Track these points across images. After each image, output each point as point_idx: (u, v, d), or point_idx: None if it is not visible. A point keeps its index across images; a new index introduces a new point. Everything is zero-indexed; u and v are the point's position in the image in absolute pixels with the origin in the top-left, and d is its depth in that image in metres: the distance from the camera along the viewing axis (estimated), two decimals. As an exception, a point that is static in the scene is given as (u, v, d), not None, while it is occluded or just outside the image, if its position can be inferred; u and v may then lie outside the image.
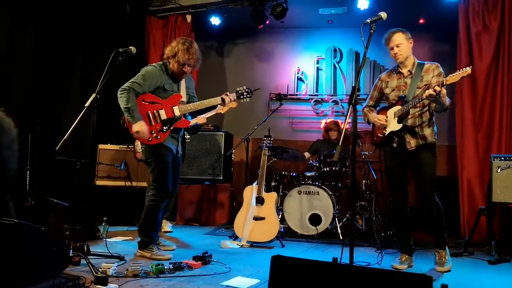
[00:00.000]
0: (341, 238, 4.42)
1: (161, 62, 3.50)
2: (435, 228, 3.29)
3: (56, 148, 2.74)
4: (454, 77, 2.83)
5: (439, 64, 3.23)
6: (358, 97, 6.08)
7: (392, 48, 3.23)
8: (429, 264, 3.41)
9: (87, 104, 2.95)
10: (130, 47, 3.28)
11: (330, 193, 4.58)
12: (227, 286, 2.63)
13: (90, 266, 2.69)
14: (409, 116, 3.18)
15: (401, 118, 3.17)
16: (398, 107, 3.20)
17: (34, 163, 4.54)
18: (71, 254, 2.89)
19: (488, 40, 4.54)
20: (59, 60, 4.88)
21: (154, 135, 3.31)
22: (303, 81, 6.40)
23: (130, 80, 3.28)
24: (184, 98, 3.56)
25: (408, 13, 5.39)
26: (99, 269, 2.68)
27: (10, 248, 2.26)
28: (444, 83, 2.86)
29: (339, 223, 4.53)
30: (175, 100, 3.42)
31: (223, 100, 3.47)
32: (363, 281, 1.45)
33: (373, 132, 3.45)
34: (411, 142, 3.19)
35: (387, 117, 3.26)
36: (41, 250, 2.44)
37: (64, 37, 4.90)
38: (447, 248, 3.30)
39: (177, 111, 3.38)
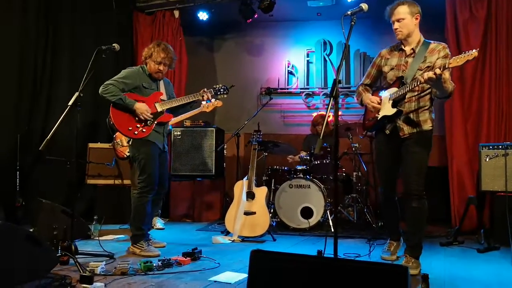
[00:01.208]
0: (332, 230, 4.42)
1: (139, 66, 3.67)
2: (411, 226, 2.94)
3: (40, 148, 2.73)
4: (458, 60, 2.50)
5: (446, 45, 2.87)
6: (349, 90, 6.16)
7: (394, 23, 2.88)
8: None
9: (70, 103, 2.93)
10: (113, 44, 3.26)
11: (321, 186, 4.58)
12: (215, 281, 2.63)
13: (78, 265, 2.69)
14: (405, 100, 2.87)
15: (396, 102, 2.87)
16: (394, 89, 2.89)
17: (24, 163, 4.53)
18: (58, 254, 2.89)
19: (475, 28, 4.54)
20: (46, 58, 4.85)
21: (140, 128, 3.43)
22: (293, 75, 6.39)
23: (109, 79, 3.43)
24: (164, 97, 3.64)
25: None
26: (87, 268, 2.68)
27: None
28: (447, 66, 2.54)
29: (330, 216, 4.55)
30: (156, 97, 3.56)
31: (203, 96, 3.60)
32: (339, 274, 1.45)
33: (365, 114, 3.18)
34: (404, 129, 2.89)
35: (381, 99, 2.96)
36: (25, 250, 2.43)
37: (49, 35, 4.86)
38: (419, 261, 2.91)
39: (159, 107, 3.51)
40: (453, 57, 2.55)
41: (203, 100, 3.66)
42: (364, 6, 2.55)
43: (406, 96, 2.87)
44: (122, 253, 3.40)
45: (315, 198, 4.52)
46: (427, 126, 2.88)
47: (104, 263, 2.83)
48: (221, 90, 3.70)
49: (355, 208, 4.81)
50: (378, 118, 2.96)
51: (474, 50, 2.48)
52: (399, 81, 2.88)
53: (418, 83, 2.73)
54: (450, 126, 4.68)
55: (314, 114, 6.03)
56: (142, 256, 3.25)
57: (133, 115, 3.41)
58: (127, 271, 2.74)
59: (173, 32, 5.80)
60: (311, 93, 6.28)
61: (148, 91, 3.53)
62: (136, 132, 3.41)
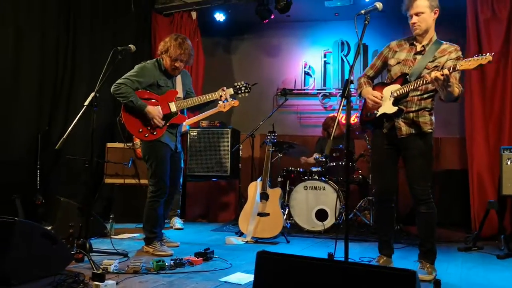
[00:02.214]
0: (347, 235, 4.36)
1: (154, 59, 3.52)
2: (422, 231, 2.84)
3: (56, 147, 2.79)
4: (469, 63, 2.37)
5: (459, 48, 2.73)
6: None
7: (411, 17, 2.71)
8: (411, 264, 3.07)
9: (86, 103, 2.98)
10: (129, 45, 3.29)
11: (337, 188, 4.53)
12: (226, 282, 2.63)
13: (92, 262, 2.73)
14: (407, 99, 2.73)
15: (397, 100, 2.73)
16: (397, 86, 2.75)
17: (45, 162, 4.64)
18: (74, 252, 2.94)
19: (497, 28, 4.41)
20: (67, 60, 4.96)
21: (151, 130, 3.35)
22: (310, 76, 6.35)
23: (123, 77, 3.33)
24: (180, 94, 3.56)
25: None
26: (101, 266, 2.72)
27: (9, 245, 2.31)
28: (457, 68, 2.42)
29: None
30: (171, 96, 3.45)
31: (221, 96, 3.46)
32: (346, 277, 1.43)
33: (363, 109, 2.98)
34: (403, 129, 2.75)
35: (382, 95, 2.81)
36: (41, 247, 2.49)
37: (70, 37, 4.97)
38: (435, 265, 2.82)
39: (173, 107, 3.41)
40: (465, 59, 2.43)
41: (221, 100, 3.51)
42: (379, 5, 2.51)
43: (409, 95, 2.72)
44: (136, 251, 3.44)
45: (330, 200, 4.48)
46: (427, 128, 2.76)
47: (117, 261, 2.87)
48: (242, 88, 3.53)
49: (371, 211, 4.74)
50: (377, 115, 2.82)
51: (488, 54, 2.35)
52: (403, 78, 2.75)
53: (424, 82, 2.59)
54: (470, 128, 4.56)
55: (330, 115, 5.99)
56: (155, 255, 3.28)
57: (144, 117, 3.32)
58: (139, 269, 2.77)
59: (190, 33, 5.84)
60: (328, 94, 6.23)
61: (163, 89, 3.42)
62: (146, 135, 3.33)
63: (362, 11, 2.47)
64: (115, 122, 5.35)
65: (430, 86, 2.69)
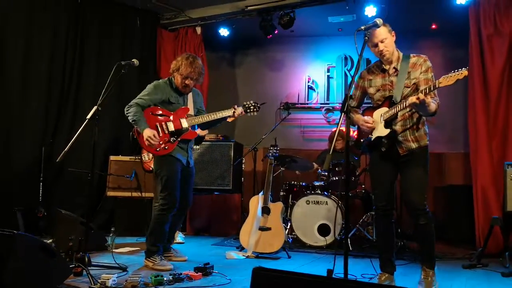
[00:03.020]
0: (350, 249, 4.32)
1: (167, 78, 3.65)
2: (423, 241, 2.91)
3: (57, 160, 2.80)
4: (448, 80, 2.47)
5: (427, 58, 2.84)
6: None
7: (377, 45, 2.81)
8: (413, 282, 3.00)
9: (88, 116, 3.01)
10: (133, 60, 3.35)
11: (339, 202, 4.50)
12: (224, 298, 2.60)
13: (90, 276, 2.72)
14: (399, 119, 2.82)
15: (388, 122, 2.82)
16: (384, 109, 2.84)
17: (48, 175, 4.66)
18: (72, 265, 2.93)
19: (500, 44, 4.40)
20: (73, 74, 5.02)
21: (162, 145, 3.42)
22: (314, 90, 6.37)
23: (138, 96, 3.47)
24: (191, 112, 3.65)
25: (420, 18, 5.32)
26: (98, 280, 2.71)
27: (7, 258, 2.30)
28: (437, 86, 2.52)
29: (348, 234, 4.44)
30: (183, 113, 3.55)
31: (233, 113, 3.56)
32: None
33: (359, 134, 3.08)
34: (403, 147, 2.83)
35: (373, 119, 2.90)
36: (40, 261, 2.48)
37: (76, 52, 5.04)
38: (436, 269, 2.89)
39: (184, 123, 3.50)
40: (443, 76, 2.50)
41: (234, 117, 3.58)
42: (379, 21, 2.54)
43: (399, 115, 2.80)
44: (136, 266, 3.42)
45: (332, 215, 4.44)
46: (424, 142, 2.85)
47: (116, 275, 2.85)
48: (251, 107, 3.62)
49: (375, 227, 4.69)
50: (372, 139, 2.90)
51: (464, 69, 2.44)
52: (389, 101, 2.84)
53: (406, 105, 2.69)
54: (474, 143, 4.52)
55: (334, 129, 5.98)
56: (154, 269, 3.26)
57: (158, 131, 3.39)
58: (137, 284, 2.75)
59: (195, 48, 5.90)
60: (331, 108, 6.23)
61: (175, 106, 3.53)
62: (158, 149, 3.40)
63: (362, 27, 2.49)
64: (120, 136, 5.46)
65: None
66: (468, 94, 4.64)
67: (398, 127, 2.83)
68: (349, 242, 4.38)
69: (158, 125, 3.44)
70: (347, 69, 6.21)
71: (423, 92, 2.52)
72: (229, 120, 4.40)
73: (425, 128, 2.87)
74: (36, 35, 4.60)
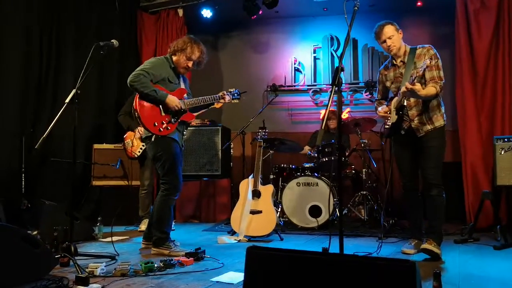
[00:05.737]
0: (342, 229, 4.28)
1: (163, 56, 3.50)
2: (433, 214, 3.16)
3: (35, 147, 2.67)
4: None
5: (431, 46, 3.15)
6: (357, 85, 6.04)
7: (385, 41, 3.19)
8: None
9: (67, 100, 2.87)
10: (112, 40, 3.19)
11: (330, 183, 4.46)
12: (217, 281, 2.54)
13: (76, 266, 2.62)
14: (413, 104, 3.15)
15: (397, 110, 3.11)
16: (395, 99, 3.19)
17: (29, 166, 4.50)
18: (58, 256, 2.83)
19: (487, 18, 4.37)
20: (50, 60, 4.82)
21: (165, 125, 3.31)
22: (300, 72, 6.27)
23: (138, 68, 3.29)
24: (186, 95, 3.54)
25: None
26: (86, 269, 2.61)
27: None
28: (414, 76, 2.90)
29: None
30: (181, 93, 3.44)
31: (223, 98, 3.57)
32: (340, 269, 1.34)
33: (384, 124, 3.42)
34: (420, 130, 3.14)
35: (390, 108, 3.25)
36: (22, 252, 2.38)
37: (53, 35, 4.83)
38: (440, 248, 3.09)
39: (183, 105, 3.39)
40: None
41: (223, 102, 3.59)
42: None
43: (412, 100, 3.13)
44: (126, 254, 3.32)
45: (323, 196, 4.40)
46: (439, 123, 3.14)
47: (104, 264, 2.76)
48: (235, 95, 3.64)
49: (366, 206, 4.68)
50: (389, 126, 3.24)
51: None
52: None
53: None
54: (463, 120, 4.52)
55: (322, 111, 5.92)
56: (172, 256, 3.14)
57: (159, 110, 3.27)
58: (127, 272, 2.66)
59: (177, 31, 5.73)
60: (318, 90, 6.16)
61: (173, 86, 3.39)
62: (161, 129, 3.27)
63: (352, -5, 2.40)
64: (103, 123, 5.30)
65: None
66: (456, 69, 4.61)
67: (413, 111, 3.15)
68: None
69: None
70: (333, 50, 6.11)
71: (411, 81, 2.87)
72: (217, 106, 4.34)
73: (440, 109, 3.16)
74: (8, 20, 4.37)
